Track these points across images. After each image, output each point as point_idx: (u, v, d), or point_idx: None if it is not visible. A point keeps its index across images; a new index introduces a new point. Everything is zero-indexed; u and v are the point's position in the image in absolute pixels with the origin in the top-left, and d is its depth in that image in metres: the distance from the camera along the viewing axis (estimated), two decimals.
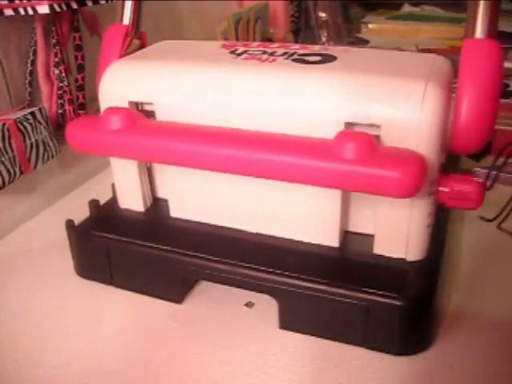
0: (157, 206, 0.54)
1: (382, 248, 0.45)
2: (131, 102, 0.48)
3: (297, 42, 1.24)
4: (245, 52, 0.49)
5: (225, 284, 0.47)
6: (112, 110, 0.46)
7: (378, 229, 0.45)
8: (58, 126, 0.68)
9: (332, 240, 0.47)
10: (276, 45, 0.52)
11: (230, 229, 0.50)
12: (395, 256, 0.45)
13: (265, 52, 0.49)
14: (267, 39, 1.10)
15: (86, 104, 0.70)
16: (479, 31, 0.40)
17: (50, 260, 0.56)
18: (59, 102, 0.67)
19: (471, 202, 0.42)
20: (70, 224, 0.53)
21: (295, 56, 0.48)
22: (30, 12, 0.57)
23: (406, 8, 1.47)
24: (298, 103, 0.43)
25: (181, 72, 0.47)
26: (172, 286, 0.49)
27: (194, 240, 0.49)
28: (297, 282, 0.43)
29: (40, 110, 0.61)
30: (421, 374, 0.41)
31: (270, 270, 0.44)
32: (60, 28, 0.65)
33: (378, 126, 0.40)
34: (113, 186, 0.55)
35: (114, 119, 0.45)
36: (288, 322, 0.45)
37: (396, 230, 0.44)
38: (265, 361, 0.43)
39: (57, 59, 0.65)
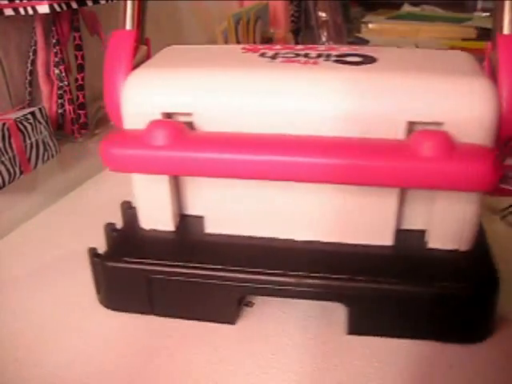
0: (184, 223, 0.51)
1: (436, 241, 0.46)
2: (165, 114, 0.45)
3: (297, 42, 1.24)
4: (277, 55, 0.48)
5: (289, 297, 0.46)
6: (158, 124, 0.43)
7: (434, 223, 0.45)
8: (57, 126, 0.68)
9: (386, 239, 0.47)
10: (301, 46, 0.51)
11: (277, 239, 0.48)
12: (449, 248, 0.45)
13: (297, 54, 0.48)
14: (267, 39, 1.10)
15: (86, 104, 0.70)
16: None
17: (50, 259, 0.56)
18: (59, 101, 0.67)
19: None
20: (94, 253, 0.48)
21: (333, 58, 0.47)
22: (30, 12, 0.57)
23: (406, 8, 1.47)
24: (358, 105, 0.42)
25: (224, 79, 0.45)
26: (226, 307, 0.46)
27: (245, 255, 0.46)
28: (367, 285, 0.43)
29: (40, 109, 0.61)
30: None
31: (340, 276, 0.43)
32: (60, 28, 0.65)
33: (441, 124, 0.41)
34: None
35: (161, 133, 0.42)
36: (359, 327, 0.45)
37: (452, 222, 0.45)
38: (265, 361, 0.43)
39: (57, 59, 0.65)
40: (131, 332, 0.46)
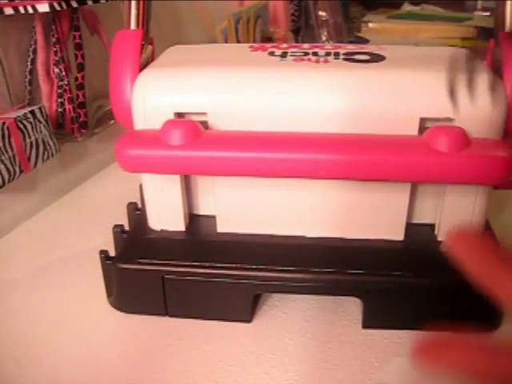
0: (194, 223, 0.51)
1: (446, 235, 0.46)
2: (178, 114, 0.45)
3: (297, 41, 1.24)
4: (286, 54, 0.48)
5: (306, 293, 0.47)
6: (174, 123, 0.43)
7: (444, 217, 0.46)
8: (57, 125, 0.68)
9: (398, 234, 0.47)
10: (307, 45, 0.51)
11: (289, 237, 0.48)
12: None
13: (306, 53, 0.48)
14: (267, 38, 1.10)
15: (86, 103, 0.70)
16: None
17: (50, 258, 0.56)
18: (59, 100, 0.67)
19: None
20: (106, 256, 0.48)
21: (342, 56, 0.47)
22: (30, 11, 0.57)
23: (406, 7, 1.47)
24: (375, 102, 0.43)
25: (239, 78, 0.45)
26: (243, 305, 0.46)
27: (259, 253, 0.46)
28: (382, 279, 0.44)
29: (40, 108, 0.61)
30: None
31: (354, 271, 0.44)
32: (60, 27, 0.65)
33: (452, 120, 0.42)
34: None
35: (178, 133, 0.42)
36: (374, 321, 0.46)
37: (462, 215, 0.46)
38: (265, 361, 0.43)
39: (57, 58, 0.65)
40: (131, 332, 0.46)
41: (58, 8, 0.58)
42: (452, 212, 0.46)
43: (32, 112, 0.60)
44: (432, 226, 0.48)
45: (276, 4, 1.15)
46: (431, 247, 0.47)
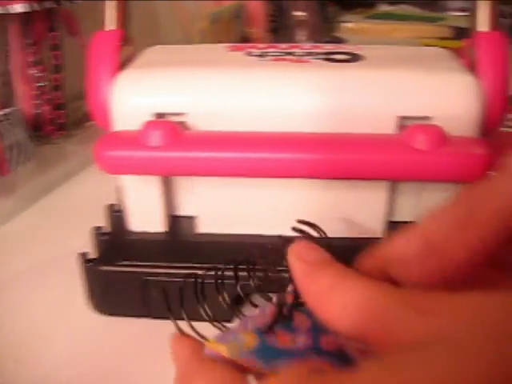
0: (174, 224, 0.50)
1: None
2: (157, 114, 0.44)
3: (275, 41, 1.25)
4: (265, 54, 0.48)
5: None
6: (154, 124, 0.43)
7: (423, 214, 0.46)
8: (35, 127, 0.67)
9: (377, 232, 0.48)
10: (285, 45, 0.51)
11: (271, 236, 0.47)
12: None
13: (285, 53, 0.48)
14: (245, 38, 1.10)
15: (64, 104, 0.69)
16: (488, 24, 0.46)
17: (29, 262, 0.55)
18: (36, 102, 0.66)
19: None
20: (86, 258, 0.46)
21: (321, 56, 0.47)
22: (5, 11, 0.57)
23: (383, 7, 1.49)
24: (353, 101, 0.43)
25: (219, 78, 0.45)
26: (223, 306, 0.46)
27: (239, 254, 0.47)
28: None
29: (16, 111, 0.60)
30: None
31: None
32: (36, 27, 0.64)
33: (430, 118, 0.43)
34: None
35: (159, 134, 0.42)
36: None
37: None
38: None
39: (33, 59, 0.65)
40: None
41: (33, 8, 0.58)
42: (431, 209, 0.46)
43: (8, 114, 0.59)
44: (412, 224, 0.48)
45: (253, 4, 1.16)
46: None
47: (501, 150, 0.41)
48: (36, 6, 0.58)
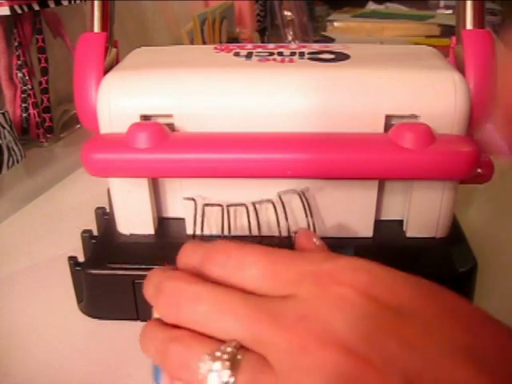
0: (163, 226, 0.50)
1: (414, 230, 0.47)
2: (144, 116, 0.44)
3: (263, 42, 1.25)
4: (251, 54, 0.48)
5: None
6: (140, 126, 0.42)
7: (412, 213, 0.47)
8: (22, 130, 0.67)
9: (366, 231, 0.48)
10: (272, 45, 0.51)
11: (264, 237, 0.48)
12: (427, 236, 0.47)
13: (271, 53, 0.48)
14: (233, 39, 1.10)
15: (51, 107, 0.69)
16: (474, 22, 0.46)
17: (18, 266, 0.55)
18: (23, 105, 0.66)
19: (485, 177, 0.48)
20: (75, 262, 0.47)
21: (307, 55, 0.47)
22: None
23: (371, 6, 1.49)
24: (340, 100, 0.43)
25: (205, 79, 0.44)
26: None
27: None
28: None
29: (3, 114, 0.60)
30: None
31: None
32: (22, 30, 0.64)
33: (417, 117, 0.43)
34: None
35: (145, 135, 0.41)
36: None
37: (430, 211, 0.46)
38: None
39: (19, 62, 0.64)
40: (104, 337, 0.45)
41: (19, 11, 0.58)
42: (420, 207, 0.46)
43: None
44: (400, 222, 0.49)
45: (241, 4, 1.16)
46: (400, 243, 0.47)
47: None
48: (24, 9, 0.58)
